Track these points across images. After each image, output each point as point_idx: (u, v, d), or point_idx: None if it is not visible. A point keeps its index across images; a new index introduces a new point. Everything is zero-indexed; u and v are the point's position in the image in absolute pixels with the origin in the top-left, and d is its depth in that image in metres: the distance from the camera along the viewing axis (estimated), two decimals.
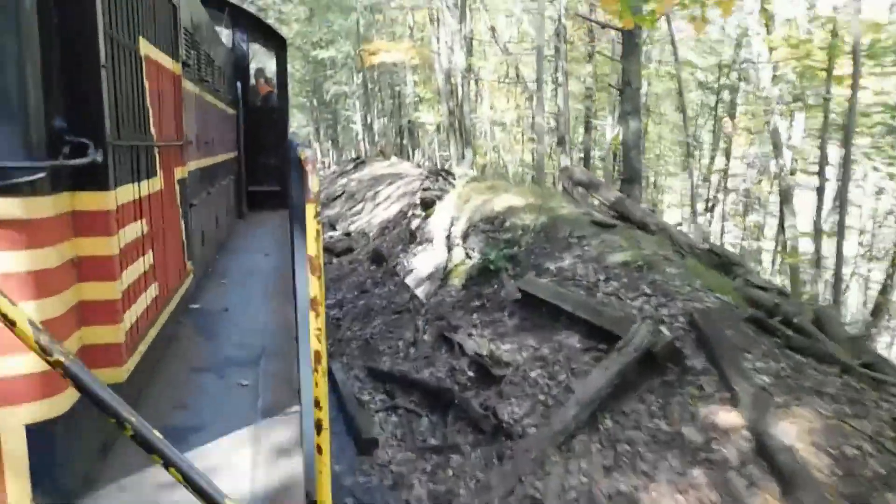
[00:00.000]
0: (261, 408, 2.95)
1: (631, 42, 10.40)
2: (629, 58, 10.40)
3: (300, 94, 40.99)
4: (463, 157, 18.64)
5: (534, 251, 8.30)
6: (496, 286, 8.10)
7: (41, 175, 1.96)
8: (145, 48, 3.11)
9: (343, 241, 14.38)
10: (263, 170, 9.35)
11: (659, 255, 7.69)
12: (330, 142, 45.36)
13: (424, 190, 12.39)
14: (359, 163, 27.35)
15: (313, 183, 1.90)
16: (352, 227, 16.07)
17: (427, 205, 12.35)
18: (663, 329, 6.14)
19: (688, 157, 15.92)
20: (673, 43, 12.56)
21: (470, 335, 7.28)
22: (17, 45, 1.91)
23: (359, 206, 18.70)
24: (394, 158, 25.33)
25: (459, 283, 8.65)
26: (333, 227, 16.31)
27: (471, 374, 6.71)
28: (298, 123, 46.56)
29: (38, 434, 1.98)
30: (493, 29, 23.40)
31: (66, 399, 2.05)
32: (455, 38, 18.72)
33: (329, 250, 13.44)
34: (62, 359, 1.38)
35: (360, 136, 34.94)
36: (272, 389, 3.16)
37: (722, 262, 7.92)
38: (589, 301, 6.90)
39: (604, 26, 13.39)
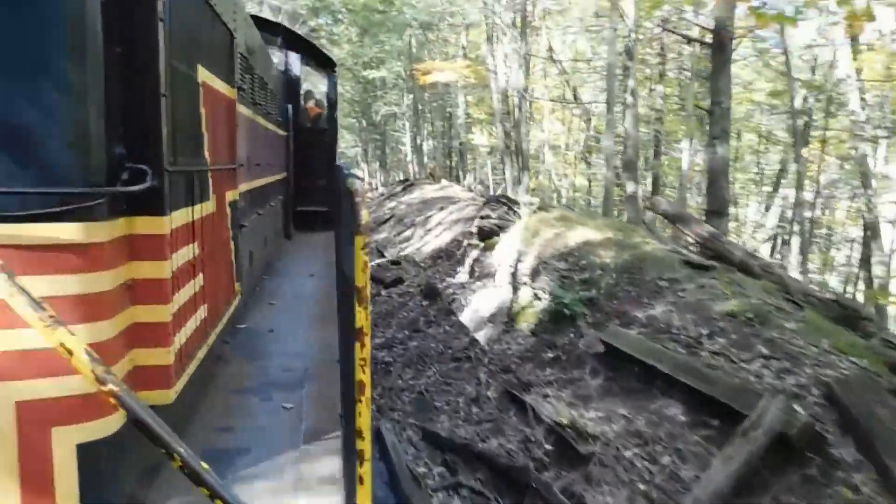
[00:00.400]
0: (304, 432, 2.95)
1: (721, 57, 9.21)
2: (718, 75, 9.20)
3: (349, 114, 40.64)
4: (519, 181, 17.57)
5: (616, 295, 7.15)
6: (572, 335, 6.96)
7: (100, 201, 2.01)
8: (203, 75, 3.14)
9: (392, 271, 13.43)
10: (311, 191, 9.39)
11: (770, 306, 6.44)
12: (377, 163, 44.84)
13: (482, 218, 11.36)
14: (407, 185, 26.54)
15: (362, 215, 1.89)
16: (401, 254, 15.12)
17: (485, 235, 11.31)
18: (795, 405, 4.92)
19: (798, 189, 14.35)
20: (786, 53, 11.26)
21: (545, 396, 6.16)
22: (83, 76, 1.94)
23: (408, 232, 17.76)
24: (444, 181, 24.43)
25: (528, 328, 7.55)
26: (381, 254, 15.34)
27: (549, 447, 5.58)
28: (346, 144, 46.28)
29: (88, 453, 1.99)
30: (550, 49, 22.43)
31: (116, 420, 2.05)
32: (513, 56, 17.78)
33: (378, 280, 12.49)
34: (116, 389, 1.45)
35: (408, 158, 34.23)
36: (315, 414, 3.16)
37: (847, 315, 6.62)
38: (692, 362, 5.71)
39: (690, 41, 12.16)
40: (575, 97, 23.44)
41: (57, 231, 1.89)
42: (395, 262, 14.03)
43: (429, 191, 23.64)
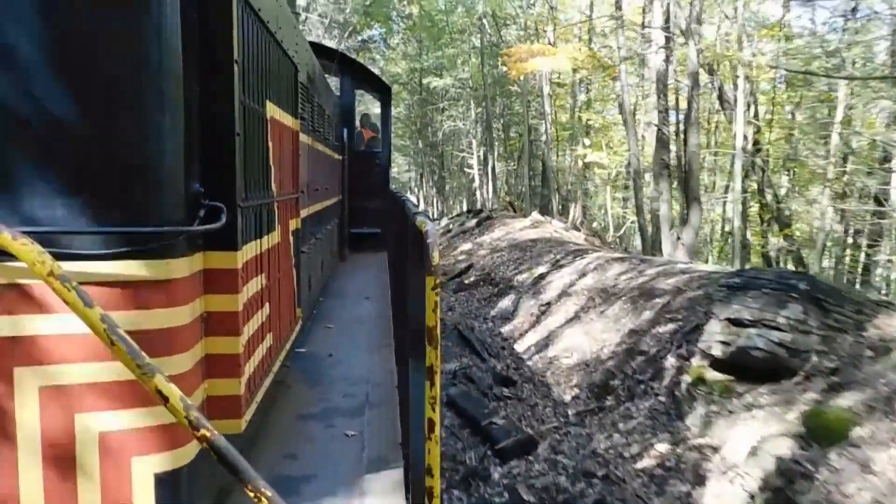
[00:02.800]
0: (366, 461, 2.95)
1: None
2: None
3: (403, 135, 34.94)
4: (686, 220, 10.89)
5: None
6: None
7: (180, 238, 2.06)
8: (271, 110, 3.18)
9: (501, 408, 6.83)
10: (365, 213, 9.49)
11: None
12: (435, 189, 38.83)
13: (736, 324, 4.78)
14: (484, 219, 20.14)
15: (434, 256, 1.93)
16: (509, 359, 8.52)
17: (735, 365, 4.70)
18: None
19: None
20: None
21: None
22: (164, 118, 1.98)
23: (507, 301, 11.18)
24: (535, 215, 17.90)
25: None
26: (475, 349, 8.57)
27: None
28: (398, 168, 40.58)
29: (164, 483, 2.01)
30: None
31: (191, 450, 2.08)
32: (675, 21, 11.23)
33: (483, 433, 5.98)
34: (209, 434, 1.44)
35: (476, 183, 27.90)
36: (377, 441, 3.15)
37: None
38: None
39: None
40: (719, 92, 16.71)
41: (140, 268, 1.94)
42: (507, 381, 7.47)
43: (517, 228, 17.17)
